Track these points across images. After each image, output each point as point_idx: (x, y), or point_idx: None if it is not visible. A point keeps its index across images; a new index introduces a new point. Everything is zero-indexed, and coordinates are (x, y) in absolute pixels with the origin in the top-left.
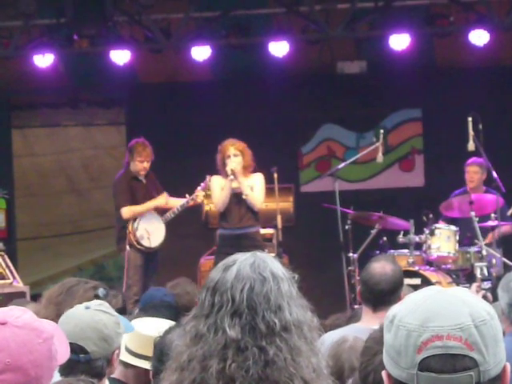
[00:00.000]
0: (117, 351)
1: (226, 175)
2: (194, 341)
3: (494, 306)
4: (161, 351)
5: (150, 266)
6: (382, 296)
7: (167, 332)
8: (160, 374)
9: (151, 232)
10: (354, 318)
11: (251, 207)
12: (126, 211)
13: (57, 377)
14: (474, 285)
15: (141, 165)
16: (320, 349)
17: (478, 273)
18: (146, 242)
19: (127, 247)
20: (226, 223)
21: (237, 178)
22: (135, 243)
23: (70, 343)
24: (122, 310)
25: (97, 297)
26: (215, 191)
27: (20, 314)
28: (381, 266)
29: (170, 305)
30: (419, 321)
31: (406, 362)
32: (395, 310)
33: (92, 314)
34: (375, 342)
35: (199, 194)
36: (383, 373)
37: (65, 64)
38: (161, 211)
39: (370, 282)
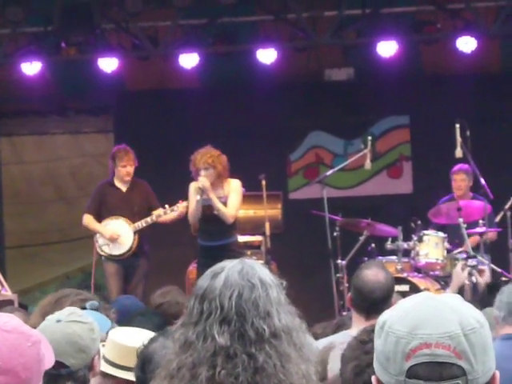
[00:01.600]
0: (96, 356)
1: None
2: (183, 348)
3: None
4: (143, 361)
5: (131, 274)
6: (376, 304)
7: (151, 341)
8: None
9: (110, 240)
10: (342, 326)
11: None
12: (85, 218)
13: None
14: (460, 263)
15: (124, 170)
16: (309, 355)
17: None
18: (106, 249)
19: (101, 257)
20: (203, 235)
21: (207, 195)
22: (99, 250)
23: None
24: None
25: (84, 309)
26: (191, 198)
27: (8, 320)
28: (374, 274)
29: (152, 313)
30: (408, 328)
31: (394, 369)
32: (386, 316)
33: (64, 327)
34: (351, 349)
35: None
36: (373, 378)
37: (52, 72)
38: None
39: (364, 289)
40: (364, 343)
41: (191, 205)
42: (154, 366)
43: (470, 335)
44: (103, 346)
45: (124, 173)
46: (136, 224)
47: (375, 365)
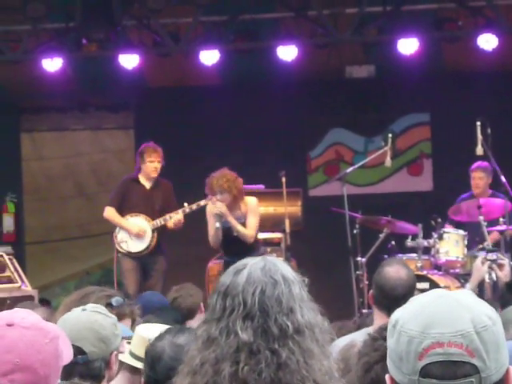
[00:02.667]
0: (115, 353)
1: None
2: (205, 344)
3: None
4: (152, 359)
5: (149, 271)
6: (398, 301)
7: (157, 340)
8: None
9: (133, 237)
10: (362, 326)
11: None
12: (108, 211)
13: None
14: (479, 257)
15: (152, 165)
16: (331, 352)
17: (486, 277)
18: (124, 246)
19: (118, 254)
20: (227, 253)
21: (226, 218)
22: (117, 246)
23: None
24: None
25: (109, 305)
26: (209, 219)
27: (26, 316)
28: (395, 271)
29: (171, 308)
30: (420, 327)
31: (407, 368)
32: (397, 314)
33: (88, 315)
34: (364, 346)
35: (177, 215)
36: (386, 376)
37: (73, 68)
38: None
39: (386, 286)
40: (375, 340)
41: (210, 227)
42: (163, 365)
43: (483, 333)
44: (129, 343)
45: (152, 168)
46: (155, 222)
47: (389, 363)
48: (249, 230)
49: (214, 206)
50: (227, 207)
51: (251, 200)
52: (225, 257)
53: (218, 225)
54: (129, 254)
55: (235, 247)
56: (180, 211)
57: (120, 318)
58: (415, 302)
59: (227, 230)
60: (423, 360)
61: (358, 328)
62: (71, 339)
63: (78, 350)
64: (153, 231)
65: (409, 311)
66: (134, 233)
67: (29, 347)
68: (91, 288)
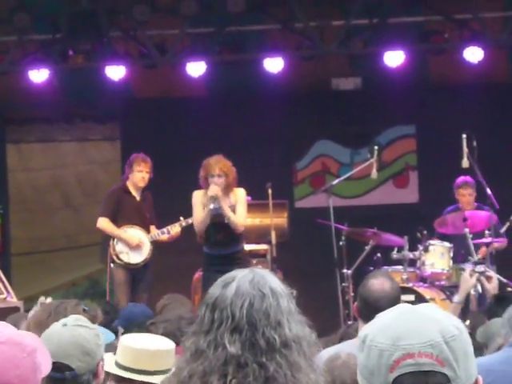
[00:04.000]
0: (101, 363)
1: (207, 191)
2: (194, 357)
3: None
4: None
5: (138, 282)
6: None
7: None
8: None
9: (132, 248)
10: (346, 338)
11: (232, 229)
12: (102, 221)
13: None
14: (468, 269)
15: (139, 174)
16: (318, 364)
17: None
18: (124, 257)
19: (111, 264)
20: (211, 244)
21: (219, 203)
22: (115, 257)
23: (54, 362)
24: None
25: (84, 311)
26: (196, 207)
27: (2, 329)
28: (380, 283)
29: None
30: (390, 340)
31: (379, 382)
32: (367, 330)
33: (71, 330)
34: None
35: (175, 228)
36: None
37: (60, 79)
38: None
39: (370, 299)
40: None
41: (198, 213)
42: None
43: (451, 342)
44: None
45: (139, 178)
46: (153, 234)
47: (359, 379)
48: (239, 218)
49: (206, 191)
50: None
51: (241, 191)
52: (206, 249)
53: (211, 206)
54: (126, 266)
55: (221, 236)
56: (177, 225)
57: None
58: (383, 317)
59: (215, 217)
60: (394, 372)
61: (341, 339)
62: (57, 356)
63: (65, 367)
64: (150, 243)
65: (377, 326)
66: (134, 244)
67: (6, 363)
68: (54, 302)
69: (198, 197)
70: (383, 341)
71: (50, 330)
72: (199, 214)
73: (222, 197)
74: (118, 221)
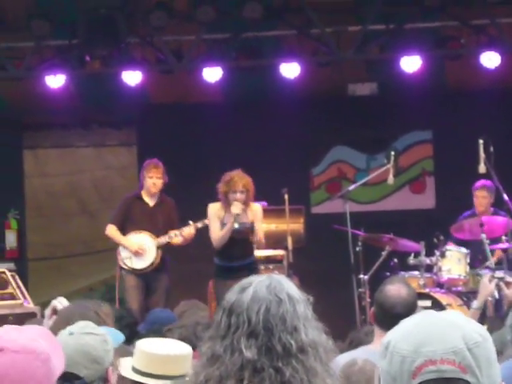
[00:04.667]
0: (110, 368)
1: (226, 206)
2: (210, 361)
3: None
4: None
5: (152, 289)
6: (397, 319)
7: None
8: None
9: (134, 254)
10: (356, 342)
11: (247, 241)
12: (109, 229)
13: None
14: (487, 275)
15: (150, 181)
16: (335, 370)
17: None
18: (128, 262)
19: (122, 271)
20: (223, 257)
21: (239, 220)
22: (121, 263)
23: (64, 372)
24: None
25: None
26: (213, 222)
27: (16, 337)
28: (396, 289)
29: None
30: (412, 346)
31: None
32: (389, 336)
33: (76, 339)
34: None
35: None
36: None
37: (76, 85)
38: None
39: (386, 305)
40: None
41: (215, 228)
42: None
43: (474, 349)
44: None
45: (150, 184)
46: (160, 239)
47: None
48: (260, 236)
49: (223, 205)
50: None
51: (258, 206)
52: (218, 261)
53: (236, 225)
54: (133, 271)
55: (235, 250)
56: (192, 224)
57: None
58: (406, 323)
59: (232, 233)
60: (417, 379)
61: (350, 343)
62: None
63: (73, 376)
64: (157, 248)
65: (400, 332)
66: (133, 251)
67: (21, 373)
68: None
69: (214, 210)
70: (405, 347)
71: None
72: (217, 229)
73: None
74: (127, 227)
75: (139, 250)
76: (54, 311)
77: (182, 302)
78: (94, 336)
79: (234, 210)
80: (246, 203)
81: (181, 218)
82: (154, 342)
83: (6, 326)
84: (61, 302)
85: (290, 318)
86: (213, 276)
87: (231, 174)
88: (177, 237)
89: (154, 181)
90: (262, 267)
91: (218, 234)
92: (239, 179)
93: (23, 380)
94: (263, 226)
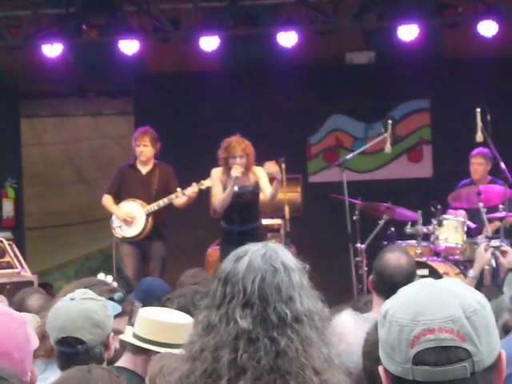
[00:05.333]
0: (111, 334)
1: (227, 171)
2: (205, 331)
3: (500, 299)
4: None
5: (148, 257)
6: (396, 287)
7: None
8: None
9: (123, 222)
10: (355, 309)
11: (251, 206)
12: (104, 198)
13: (57, 372)
14: (483, 244)
15: (138, 149)
16: (331, 338)
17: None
18: (119, 231)
19: (116, 240)
20: (228, 220)
21: (238, 183)
22: (113, 231)
23: (65, 337)
24: None
25: (112, 300)
26: (216, 185)
27: None
28: (396, 258)
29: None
30: (410, 315)
31: (400, 357)
32: (387, 305)
33: (79, 304)
34: (375, 347)
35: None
36: (380, 368)
37: (73, 54)
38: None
39: (385, 272)
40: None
41: (218, 192)
42: None
43: (472, 317)
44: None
45: (138, 152)
46: (149, 207)
47: (381, 354)
48: (269, 191)
49: (225, 170)
50: None
51: (259, 169)
52: (224, 224)
53: (236, 188)
54: (125, 239)
55: (242, 214)
56: (195, 185)
57: (120, 314)
58: (404, 292)
59: (234, 197)
60: (415, 348)
61: None
62: (67, 330)
63: (76, 340)
64: (147, 216)
65: (398, 301)
66: (121, 219)
67: (3, 333)
68: (93, 280)
69: (217, 174)
70: (403, 316)
71: (58, 305)
72: (220, 192)
73: (241, 177)
74: (122, 196)
75: (127, 217)
76: None
77: (189, 272)
78: (95, 301)
79: (234, 173)
80: (247, 167)
81: (180, 186)
82: (156, 310)
83: None
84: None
85: (285, 288)
86: (217, 240)
87: (229, 140)
88: (178, 198)
89: (141, 149)
90: (269, 235)
91: (219, 196)
92: (238, 144)
93: (4, 340)
94: (260, 196)
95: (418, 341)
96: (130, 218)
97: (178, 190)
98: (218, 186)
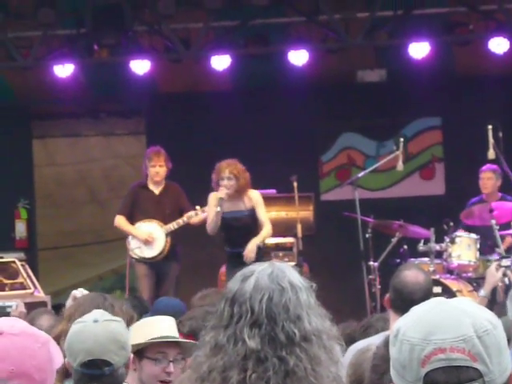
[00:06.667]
0: (132, 355)
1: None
2: (213, 351)
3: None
4: None
5: (162, 277)
6: (415, 305)
7: None
8: None
9: (143, 243)
10: (370, 328)
11: (248, 229)
12: (117, 219)
13: None
14: (494, 263)
15: (153, 170)
16: (339, 357)
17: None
18: (138, 252)
19: (132, 259)
20: (229, 244)
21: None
22: (131, 253)
23: (93, 360)
24: None
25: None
26: (210, 209)
27: (14, 323)
28: (413, 275)
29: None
30: (422, 334)
31: (411, 376)
32: (399, 324)
33: (104, 326)
34: (383, 360)
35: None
36: None
37: (85, 74)
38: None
39: (404, 290)
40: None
41: (210, 215)
42: None
43: (484, 337)
44: None
45: (153, 173)
46: (168, 226)
47: (392, 372)
48: (266, 226)
49: (217, 193)
50: (231, 197)
51: (255, 193)
52: (227, 248)
53: (218, 208)
54: (143, 260)
55: (238, 237)
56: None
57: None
58: (415, 311)
59: (231, 221)
60: (426, 367)
61: (365, 329)
62: (95, 354)
63: (104, 363)
64: (166, 236)
65: (409, 320)
66: (143, 240)
67: (21, 353)
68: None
69: (212, 198)
70: (415, 335)
71: (82, 327)
72: (210, 215)
73: (231, 200)
74: (136, 217)
75: (149, 238)
76: (75, 300)
77: (199, 294)
78: (117, 323)
79: (218, 195)
80: (239, 191)
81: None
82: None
83: (3, 318)
84: (81, 292)
85: (293, 307)
86: (225, 263)
87: (220, 162)
88: (197, 215)
89: (156, 169)
90: (272, 255)
91: (209, 219)
92: (226, 166)
93: (25, 360)
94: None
95: (429, 360)
96: (151, 238)
97: (198, 207)
98: (211, 209)
